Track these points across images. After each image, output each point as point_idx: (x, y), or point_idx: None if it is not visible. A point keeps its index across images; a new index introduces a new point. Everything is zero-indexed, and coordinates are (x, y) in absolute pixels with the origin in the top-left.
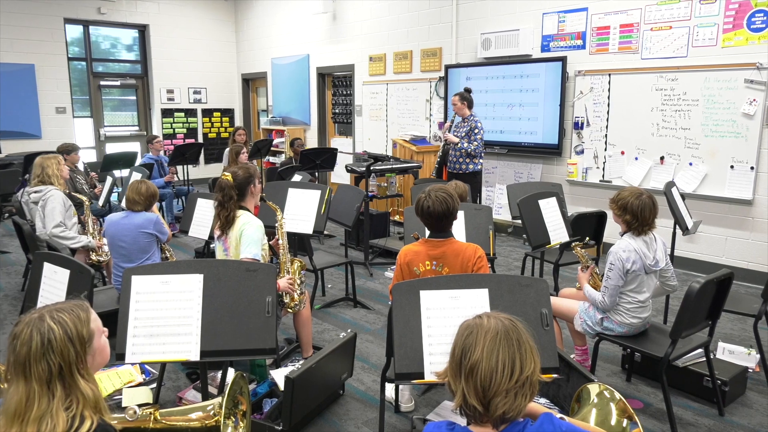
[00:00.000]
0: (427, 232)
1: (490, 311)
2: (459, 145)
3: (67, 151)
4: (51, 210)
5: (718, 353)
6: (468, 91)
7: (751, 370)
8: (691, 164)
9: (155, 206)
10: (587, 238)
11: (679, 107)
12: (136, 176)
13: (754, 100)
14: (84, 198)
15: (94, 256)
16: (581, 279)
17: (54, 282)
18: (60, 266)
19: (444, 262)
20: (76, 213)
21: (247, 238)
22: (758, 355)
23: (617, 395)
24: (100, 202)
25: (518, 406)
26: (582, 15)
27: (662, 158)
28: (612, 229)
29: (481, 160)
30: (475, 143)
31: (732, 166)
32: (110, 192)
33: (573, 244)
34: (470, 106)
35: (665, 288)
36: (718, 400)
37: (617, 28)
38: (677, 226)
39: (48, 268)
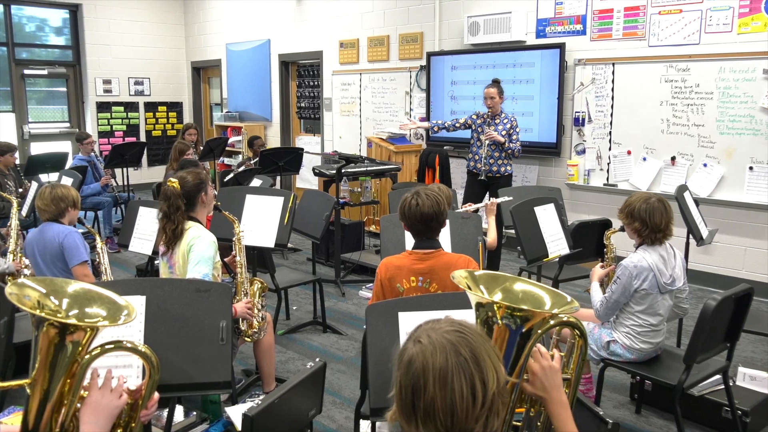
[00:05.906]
0: (409, 245)
1: (430, 322)
2: (506, 144)
3: (2, 151)
4: None
5: (737, 379)
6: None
7: None
8: (705, 165)
9: (73, 215)
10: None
11: (692, 101)
12: (67, 181)
13: None
14: (13, 199)
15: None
16: (594, 273)
17: None
18: None
19: (432, 278)
20: None
21: (197, 255)
22: None
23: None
24: (24, 211)
25: (491, 427)
26: None
27: (673, 158)
28: (620, 241)
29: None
30: (519, 142)
31: (751, 168)
32: (35, 199)
33: (608, 230)
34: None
35: (675, 311)
36: None
37: (621, 11)
38: (691, 236)
39: None
